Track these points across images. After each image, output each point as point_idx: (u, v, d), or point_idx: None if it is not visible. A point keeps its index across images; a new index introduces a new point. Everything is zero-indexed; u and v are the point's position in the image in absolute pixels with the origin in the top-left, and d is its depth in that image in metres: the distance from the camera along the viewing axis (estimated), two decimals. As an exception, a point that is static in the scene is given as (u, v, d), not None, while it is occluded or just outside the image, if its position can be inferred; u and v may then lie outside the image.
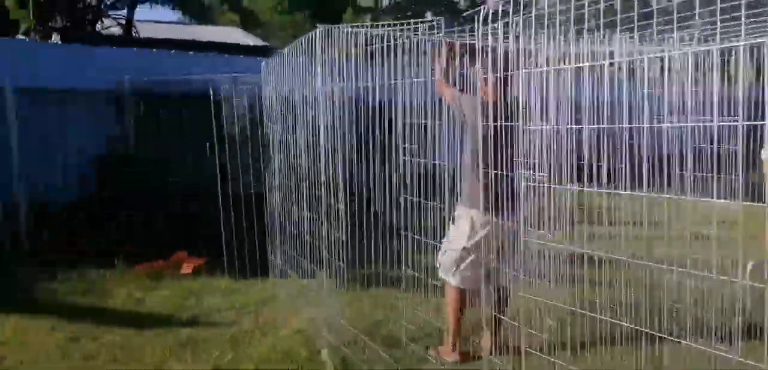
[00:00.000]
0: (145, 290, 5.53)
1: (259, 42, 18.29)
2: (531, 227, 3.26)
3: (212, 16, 16.13)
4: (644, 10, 2.78)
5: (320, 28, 3.77)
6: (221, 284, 5.70)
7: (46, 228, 6.87)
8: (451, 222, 4.09)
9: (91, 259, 6.15)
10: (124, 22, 13.11)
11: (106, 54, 9.36)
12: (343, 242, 3.97)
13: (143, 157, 8.49)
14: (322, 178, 3.98)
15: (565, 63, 3.33)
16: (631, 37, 3.11)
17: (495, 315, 3.96)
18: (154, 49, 10.40)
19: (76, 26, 11.80)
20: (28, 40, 10.77)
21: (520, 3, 2.83)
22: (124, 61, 9.01)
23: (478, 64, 4.04)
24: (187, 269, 6.14)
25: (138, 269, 6.03)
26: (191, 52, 10.91)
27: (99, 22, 12.67)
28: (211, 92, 5.68)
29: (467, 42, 4.16)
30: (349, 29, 3.73)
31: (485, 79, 3.85)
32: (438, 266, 4.15)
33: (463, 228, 3.98)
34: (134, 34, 13.08)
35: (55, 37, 11.71)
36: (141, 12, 13.41)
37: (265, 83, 5.31)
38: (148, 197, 7.93)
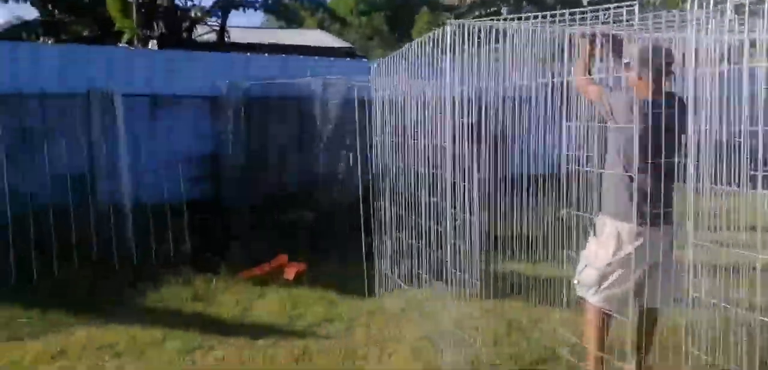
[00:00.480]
0: (251, 297, 5.42)
1: (345, 44, 18.31)
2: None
3: (300, 18, 16.23)
4: None
5: (452, 23, 3.47)
6: (327, 292, 5.50)
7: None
8: (591, 233, 3.70)
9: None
10: (217, 28, 13.36)
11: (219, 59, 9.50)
12: (469, 252, 3.65)
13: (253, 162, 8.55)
14: (450, 186, 3.68)
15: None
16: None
17: (641, 339, 3.57)
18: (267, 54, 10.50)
19: (173, 34, 12.13)
20: (130, 49, 11.13)
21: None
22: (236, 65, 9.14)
23: (629, 57, 3.62)
24: (289, 274, 6.01)
25: (242, 275, 5.96)
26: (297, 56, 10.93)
27: (194, 29, 12.98)
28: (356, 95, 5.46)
29: (611, 32, 3.77)
30: (487, 24, 3.41)
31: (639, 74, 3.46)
32: (576, 282, 3.75)
33: (608, 241, 3.56)
34: (227, 40, 13.32)
35: (152, 45, 12.09)
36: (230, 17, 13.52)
37: (376, 86, 5.06)
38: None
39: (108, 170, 7.51)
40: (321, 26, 21.91)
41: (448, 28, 3.49)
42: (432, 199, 3.97)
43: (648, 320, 3.56)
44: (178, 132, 8.60)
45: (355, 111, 5.53)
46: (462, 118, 3.57)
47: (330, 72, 8.62)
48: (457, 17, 22.25)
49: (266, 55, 10.69)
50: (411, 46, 4.10)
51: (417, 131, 4.18)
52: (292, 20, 15.53)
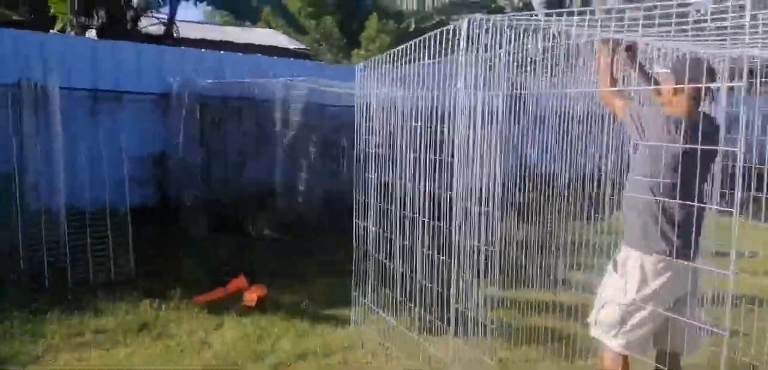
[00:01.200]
0: (207, 327, 4.72)
1: (300, 46, 17.60)
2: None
3: (256, 17, 15.41)
4: None
5: (469, 19, 2.94)
6: (295, 321, 4.87)
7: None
8: (611, 267, 3.26)
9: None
10: (166, 21, 12.40)
11: (167, 54, 8.67)
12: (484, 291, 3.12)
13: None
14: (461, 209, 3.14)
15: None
16: None
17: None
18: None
19: (116, 24, 11.14)
20: (70, 36, 10.11)
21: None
22: (188, 62, 8.35)
23: (660, 69, 3.21)
24: (250, 300, 5.33)
25: (196, 299, 5.25)
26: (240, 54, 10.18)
27: (139, 21, 11.99)
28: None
29: (636, 41, 3.35)
30: (508, 21, 2.89)
31: (674, 90, 3.06)
32: (592, 323, 3.30)
33: (632, 276, 3.13)
34: (175, 35, 12.38)
35: (90, 35, 11.10)
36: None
37: (361, 90, 4.46)
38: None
39: (40, 171, 6.62)
40: (269, 26, 21.20)
41: (464, 24, 2.96)
42: (433, 222, 3.42)
43: (673, 364, 3.17)
44: (122, 130, 7.78)
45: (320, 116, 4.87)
46: (478, 128, 3.05)
47: (301, 74, 8.01)
48: (406, 26, 22.07)
49: (221, 52, 9.92)
50: (411, 45, 3.55)
51: (416, 143, 3.62)
52: (243, 15, 14.66)
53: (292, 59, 11.34)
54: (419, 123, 3.54)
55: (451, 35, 3.04)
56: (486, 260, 3.07)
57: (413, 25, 19.44)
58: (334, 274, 5.87)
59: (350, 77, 8.69)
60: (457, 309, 3.22)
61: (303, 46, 17.62)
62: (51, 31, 10.79)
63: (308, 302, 5.27)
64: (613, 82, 3.29)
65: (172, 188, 7.84)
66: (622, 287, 3.14)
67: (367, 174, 4.25)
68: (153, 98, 8.22)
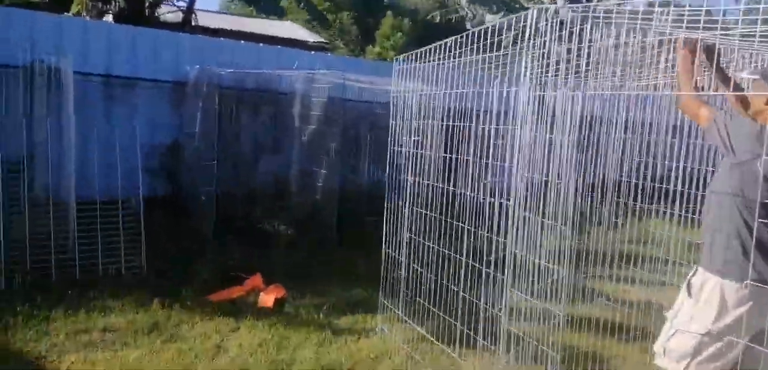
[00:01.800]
0: (223, 330, 4.40)
1: (320, 39, 17.31)
2: None
3: (280, 10, 15.16)
4: None
5: (536, 9, 2.58)
6: (316, 328, 4.53)
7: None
8: (684, 291, 2.91)
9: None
10: (184, 9, 12.11)
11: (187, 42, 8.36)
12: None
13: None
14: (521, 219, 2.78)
15: None
16: None
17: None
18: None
19: (134, 10, 10.86)
20: (87, 19, 9.85)
21: None
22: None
23: (749, 74, 2.86)
24: (267, 301, 5.01)
25: (210, 298, 4.94)
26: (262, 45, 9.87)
27: (158, 7, 11.72)
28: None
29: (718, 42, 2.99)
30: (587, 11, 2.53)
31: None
32: (660, 351, 2.95)
33: (709, 303, 2.78)
34: (194, 23, 12.10)
35: (107, 20, 10.85)
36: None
37: (400, 86, 4.08)
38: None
39: (50, 158, 6.33)
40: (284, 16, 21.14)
41: (531, 13, 2.60)
42: (481, 233, 3.07)
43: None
44: (136, 118, 7.50)
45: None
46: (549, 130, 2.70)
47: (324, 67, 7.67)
48: (420, 20, 21.94)
49: (242, 42, 9.62)
50: (460, 38, 3.20)
51: (463, 144, 3.27)
52: (266, 10, 14.39)
53: (313, 53, 11.02)
54: (468, 123, 3.20)
55: (514, 26, 2.70)
56: (550, 280, 2.72)
57: (438, 17, 19.15)
58: (356, 278, 5.55)
59: (374, 72, 8.41)
60: (508, 330, 2.87)
61: (322, 40, 17.32)
62: (65, 14, 10.51)
63: (329, 307, 4.93)
64: (696, 86, 2.94)
65: (186, 179, 7.53)
66: (698, 314, 2.79)
67: (403, 176, 3.91)
68: (169, 86, 7.91)
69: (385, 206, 4.18)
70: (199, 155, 7.08)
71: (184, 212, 7.13)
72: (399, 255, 4.13)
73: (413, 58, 3.85)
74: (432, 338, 3.98)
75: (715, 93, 3.09)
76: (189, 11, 12.09)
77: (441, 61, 3.40)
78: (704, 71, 3.11)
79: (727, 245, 2.74)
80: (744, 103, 2.92)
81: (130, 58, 7.62)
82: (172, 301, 4.74)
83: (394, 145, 4.06)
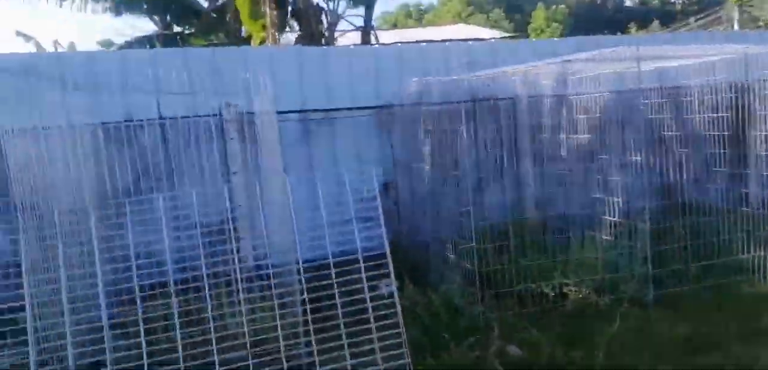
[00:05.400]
0: None
1: (496, 34, 15.72)
2: None
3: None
4: None
5: None
6: None
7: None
8: None
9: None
10: (361, 25, 10.99)
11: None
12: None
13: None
14: None
15: None
16: None
17: None
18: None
19: (311, 34, 9.93)
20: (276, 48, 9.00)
21: None
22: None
23: None
24: None
25: None
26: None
27: (334, 28, 10.72)
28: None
29: None
30: None
31: None
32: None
33: None
34: (374, 42, 10.89)
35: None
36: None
37: None
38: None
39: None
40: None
41: None
42: None
43: None
44: (339, 154, 6.29)
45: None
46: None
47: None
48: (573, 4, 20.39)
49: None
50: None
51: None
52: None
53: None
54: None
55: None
56: None
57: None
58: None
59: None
60: None
61: (506, 34, 15.81)
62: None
63: None
64: None
65: (405, 224, 6.07)
66: None
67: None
68: (371, 113, 6.59)
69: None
70: (425, 192, 5.54)
71: (410, 266, 5.45)
72: None
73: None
74: None
75: None
76: (366, 29, 10.90)
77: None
78: None
79: None
80: None
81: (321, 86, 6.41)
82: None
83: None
